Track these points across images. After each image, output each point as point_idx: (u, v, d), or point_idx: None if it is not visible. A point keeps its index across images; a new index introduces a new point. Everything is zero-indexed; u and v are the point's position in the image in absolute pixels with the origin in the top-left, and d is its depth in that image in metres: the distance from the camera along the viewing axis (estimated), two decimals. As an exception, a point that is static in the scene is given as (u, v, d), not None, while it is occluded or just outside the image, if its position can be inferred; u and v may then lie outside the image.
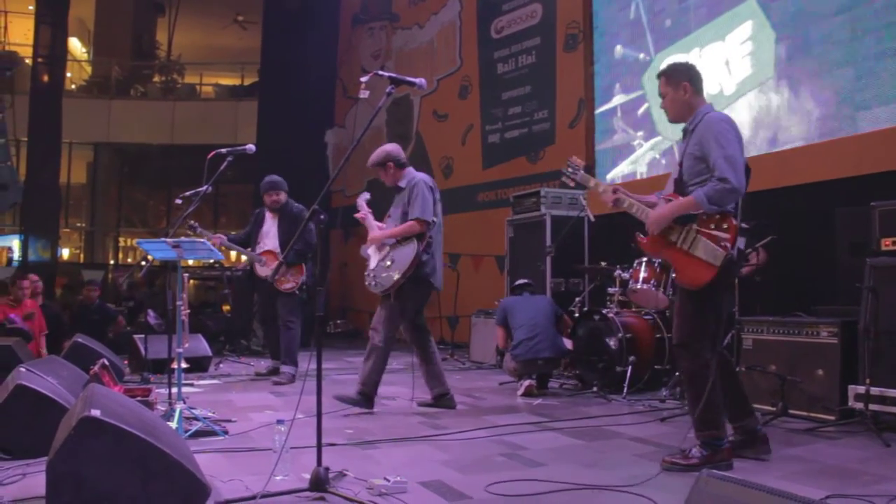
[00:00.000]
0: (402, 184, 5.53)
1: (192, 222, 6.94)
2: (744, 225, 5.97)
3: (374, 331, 5.44)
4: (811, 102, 6.88)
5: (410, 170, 5.63)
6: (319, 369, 3.26)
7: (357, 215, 5.77)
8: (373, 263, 5.49)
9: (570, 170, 4.41)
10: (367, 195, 5.95)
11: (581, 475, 3.59)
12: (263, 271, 7.22)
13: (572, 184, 4.41)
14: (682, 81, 3.92)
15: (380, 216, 5.72)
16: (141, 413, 2.90)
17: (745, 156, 3.85)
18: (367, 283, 5.51)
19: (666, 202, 3.89)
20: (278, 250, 7.15)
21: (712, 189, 3.65)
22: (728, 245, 3.63)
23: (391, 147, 5.66)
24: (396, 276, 5.25)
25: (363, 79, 3.16)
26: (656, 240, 3.90)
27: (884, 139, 6.23)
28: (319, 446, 3.23)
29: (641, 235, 3.99)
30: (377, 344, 5.39)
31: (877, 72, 6.35)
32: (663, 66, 4.09)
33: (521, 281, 6.99)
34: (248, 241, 7.51)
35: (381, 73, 3.41)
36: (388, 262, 5.33)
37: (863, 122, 6.47)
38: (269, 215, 7.37)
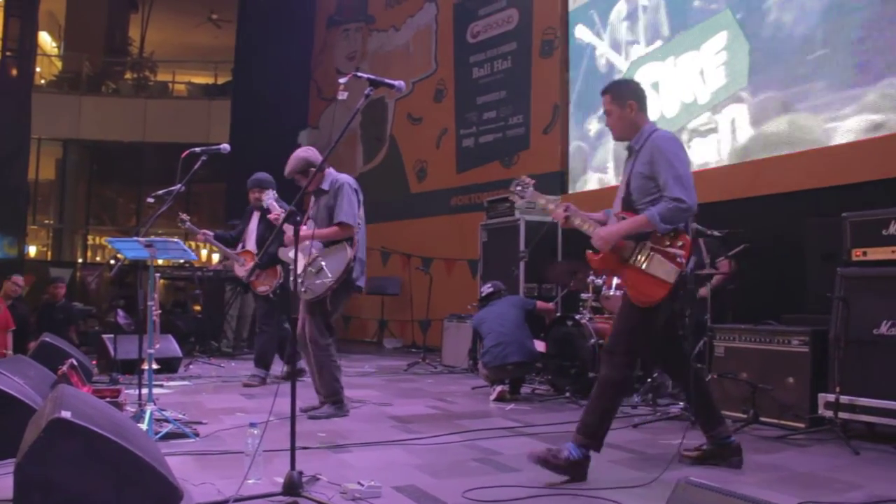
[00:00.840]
0: (325, 186, 5.38)
1: (183, 216, 7.05)
2: (716, 233, 6.09)
3: (313, 343, 5.29)
4: (784, 113, 6.96)
5: (331, 171, 5.50)
6: (293, 372, 3.23)
7: (271, 216, 5.67)
8: (300, 269, 5.33)
9: (518, 188, 4.33)
10: (273, 193, 5.88)
11: (555, 480, 3.58)
12: (240, 271, 7.16)
13: (519, 201, 4.32)
14: (627, 100, 3.91)
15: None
16: (112, 415, 2.85)
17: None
18: (297, 289, 5.41)
19: (618, 220, 3.88)
20: (255, 250, 7.07)
21: (665, 208, 3.65)
22: (682, 261, 3.65)
23: (308, 152, 5.51)
24: (329, 281, 5.14)
25: (342, 80, 3.14)
26: (608, 257, 3.86)
27: (853, 151, 6.32)
28: (293, 449, 3.20)
29: (592, 252, 3.94)
30: (321, 355, 5.28)
31: (849, 85, 6.43)
32: (609, 83, 4.08)
33: (486, 290, 6.92)
34: (237, 238, 7.42)
35: (359, 74, 3.38)
36: (318, 268, 5.19)
37: (834, 134, 6.56)
38: (255, 214, 7.25)
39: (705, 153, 7.62)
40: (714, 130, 7.55)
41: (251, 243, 7.20)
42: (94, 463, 2.40)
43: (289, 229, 5.62)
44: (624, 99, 3.92)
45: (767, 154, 7.05)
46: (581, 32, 9.43)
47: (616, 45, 8.89)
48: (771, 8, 7.08)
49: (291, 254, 5.51)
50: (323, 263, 5.19)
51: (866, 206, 4.95)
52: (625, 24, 8.79)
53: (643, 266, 3.72)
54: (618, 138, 4.06)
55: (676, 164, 3.73)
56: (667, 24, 8.23)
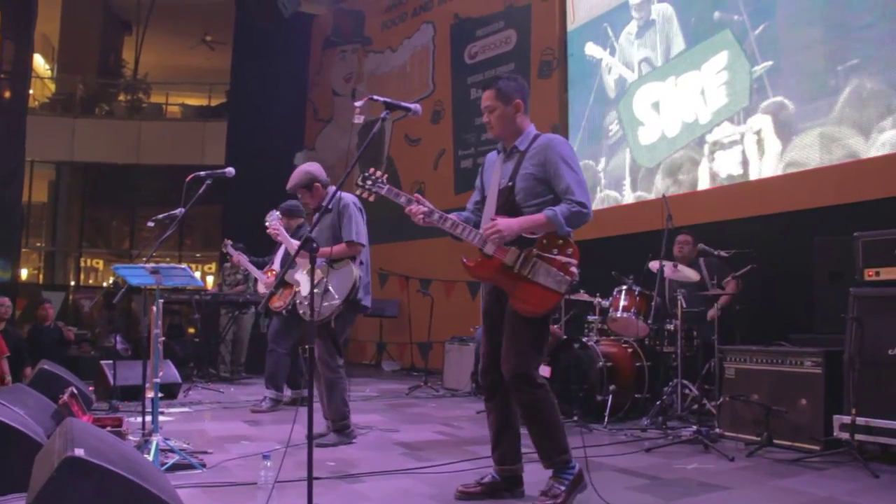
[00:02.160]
0: (329, 204, 5.32)
1: (227, 241, 7.85)
2: (723, 253, 6.05)
3: (322, 364, 5.16)
4: (787, 132, 6.94)
5: (332, 188, 5.37)
6: (311, 402, 3.13)
7: (270, 231, 5.61)
8: (304, 290, 5.26)
9: (367, 182, 3.72)
10: (276, 213, 5.83)
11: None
12: (262, 289, 7.40)
13: (372, 199, 3.76)
14: (514, 98, 3.72)
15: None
16: (123, 449, 2.76)
17: None
18: (301, 311, 5.28)
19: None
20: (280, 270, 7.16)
21: (569, 210, 3.46)
22: (574, 270, 3.48)
23: (313, 167, 5.49)
24: (336, 303, 5.06)
25: (358, 103, 3.07)
26: (486, 263, 3.63)
27: (859, 170, 6.30)
28: (310, 481, 3.09)
29: (468, 258, 3.74)
30: (332, 376, 5.17)
31: (852, 103, 6.42)
32: (494, 79, 3.83)
33: None
34: (266, 263, 7.82)
35: (376, 97, 3.31)
36: (324, 290, 5.08)
37: (838, 153, 6.54)
38: None
39: (729, 167, 7.55)
40: (738, 143, 7.46)
41: (277, 264, 7.36)
42: (110, 502, 2.31)
43: (291, 244, 5.59)
44: (510, 97, 3.71)
45: (771, 174, 7.03)
46: (580, 53, 9.42)
47: (615, 65, 8.88)
48: (775, 27, 7.09)
49: (297, 276, 5.47)
50: (329, 285, 5.11)
51: (872, 226, 4.91)
52: (624, 45, 8.79)
53: (529, 275, 3.50)
54: (497, 135, 3.81)
55: (577, 168, 3.60)
56: (668, 44, 8.22)
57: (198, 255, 21.75)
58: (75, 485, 2.26)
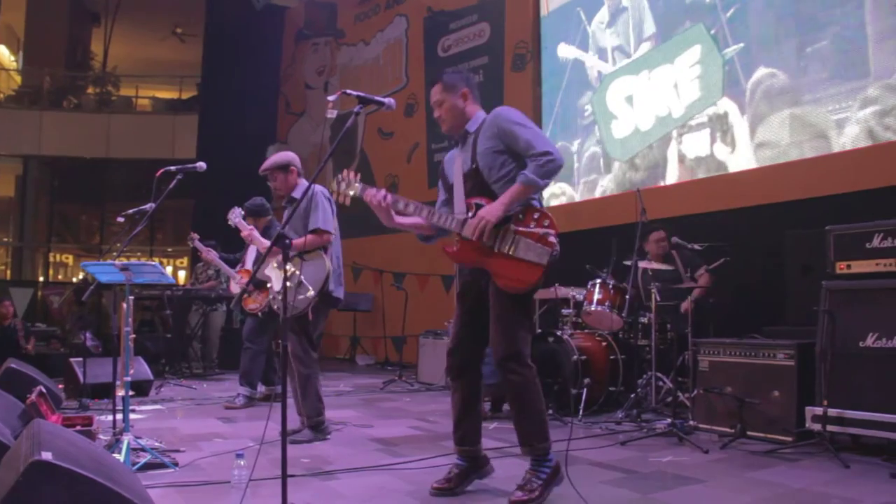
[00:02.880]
0: (297, 194, 5.27)
1: (193, 234, 7.70)
2: (696, 247, 6.07)
3: (296, 360, 5.12)
4: (760, 126, 6.98)
5: (303, 181, 5.41)
6: (284, 398, 3.09)
7: (244, 234, 5.53)
8: (277, 285, 5.19)
9: (341, 186, 3.69)
10: (239, 210, 5.77)
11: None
12: (235, 288, 7.32)
13: (348, 202, 3.72)
14: (460, 87, 3.74)
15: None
16: (92, 451, 2.70)
17: None
18: (275, 307, 5.18)
19: (476, 207, 3.60)
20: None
21: (537, 166, 3.43)
22: (553, 241, 3.46)
23: (292, 156, 5.46)
24: (311, 294, 5.01)
25: (331, 97, 3.02)
26: (467, 247, 3.60)
27: (830, 164, 6.36)
28: (284, 478, 3.05)
29: (449, 244, 3.72)
30: (306, 371, 5.13)
31: (822, 99, 6.48)
32: (439, 73, 3.87)
33: None
34: (239, 260, 7.74)
35: (349, 91, 3.26)
36: (297, 282, 5.02)
37: (809, 147, 6.58)
38: None
39: (698, 150, 7.59)
40: (705, 125, 7.49)
41: (250, 263, 7.28)
42: (78, 507, 2.26)
43: (262, 243, 5.53)
44: (456, 87, 3.73)
45: (743, 167, 7.08)
46: (554, 46, 9.41)
47: (589, 59, 8.88)
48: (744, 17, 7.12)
49: (268, 271, 5.41)
50: (302, 277, 5.05)
51: (844, 219, 4.95)
52: (597, 38, 8.79)
53: (510, 251, 3.49)
54: (448, 130, 3.81)
55: (530, 125, 3.59)
56: (641, 38, 8.24)
57: (169, 249, 21.55)
58: (42, 489, 2.20)
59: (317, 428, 5.16)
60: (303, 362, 5.14)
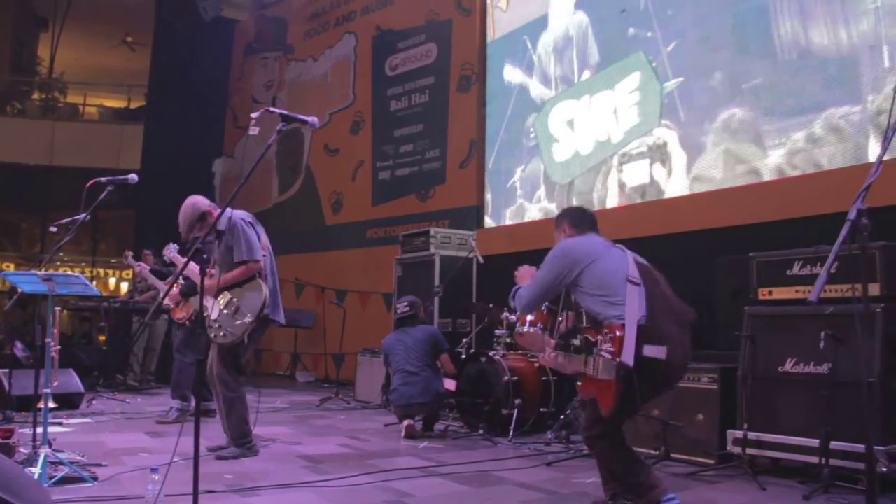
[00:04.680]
0: (222, 226, 5.14)
1: (127, 252, 7.94)
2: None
3: (223, 385, 5.09)
4: (693, 148, 7.14)
5: (227, 210, 5.17)
6: (198, 413, 3.07)
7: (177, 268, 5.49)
8: (214, 314, 5.12)
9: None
10: (174, 245, 5.82)
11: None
12: (166, 301, 7.12)
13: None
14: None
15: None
16: (-5, 463, 2.64)
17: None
18: (212, 335, 5.10)
19: None
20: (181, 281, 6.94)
21: None
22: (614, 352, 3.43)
23: (198, 199, 5.31)
24: (249, 320, 4.97)
25: (254, 115, 3.03)
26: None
27: (761, 192, 6.51)
28: (196, 495, 3.03)
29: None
30: (231, 395, 5.09)
31: (756, 128, 6.65)
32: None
33: (402, 310, 6.76)
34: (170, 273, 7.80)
35: (272, 109, 3.28)
36: (234, 309, 5.02)
37: (741, 175, 6.75)
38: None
39: (637, 180, 7.71)
40: (645, 156, 7.60)
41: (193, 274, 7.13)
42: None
43: (194, 268, 5.44)
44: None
45: (677, 193, 7.22)
46: (498, 68, 9.52)
47: (533, 83, 9.00)
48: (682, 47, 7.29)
49: (205, 302, 5.29)
50: (239, 304, 5.03)
51: (772, 246, 5.08)
52: (541, 63, 8.92)
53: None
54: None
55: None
56: (583, 64, 8.38)
57: (112, 260, 21.15)
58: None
59: (244, 446, 5.11)
60: (228, 387, 5.10)
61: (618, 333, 3.42)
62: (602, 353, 3.45)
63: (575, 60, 8.46)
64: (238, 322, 5.00)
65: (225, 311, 5.06)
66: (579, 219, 4.17)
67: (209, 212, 5.24)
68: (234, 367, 5.13)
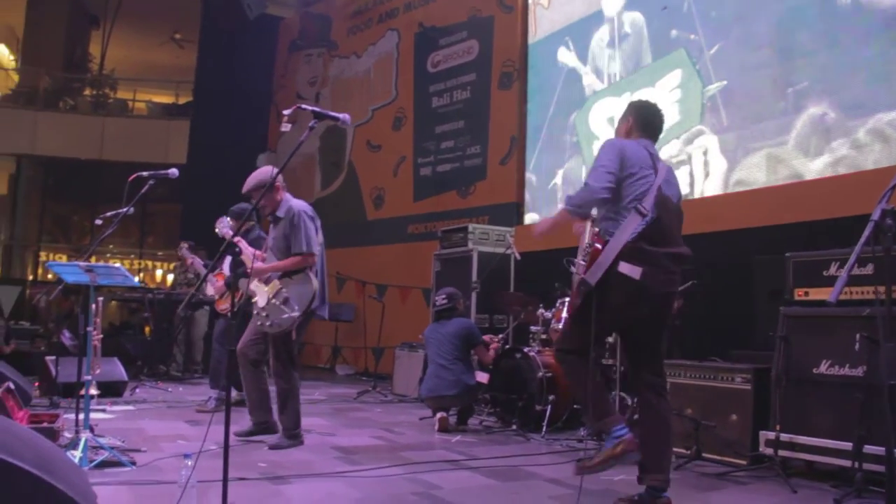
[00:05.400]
0: (280, 213, 5.27)
1: (182, 244, 7.92)
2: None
3: (278, 377, 5.20)
4: (735, 151, 7.08)
5: (287, 197, 5.38)
6: (228, 402, 3.16)
7: (241, 253, 5.47)
8: (262, 301, 5.19)
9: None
10: (226, 219, 5.80)
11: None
12: (210, 290, 7.34)
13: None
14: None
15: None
16: (38, 444, 2.75)
17: None
18: (258, 323, 5.19)
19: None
20: (227, 272, 7.14)
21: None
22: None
23: (266, 172, 5.36)
24: (296, 314, 5.05)
25: (286, 112, 3.11)
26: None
27: (800, 191, 6.44)
28: (225, 481, 3.12)
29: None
30: (285, 387, 5.20)
31: (795, 126, 6.57)
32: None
33: (440, 303, 6.78)
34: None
35: (304, 106, 3.35)
36: (283, 300, 5.07)
37: (783, 173, 6.68)
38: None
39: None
40: (686, 162, 7.58)
41: (227, 267, 7.27)
42: (8, 497, 2.32)
43: (249, 256, 5.53)
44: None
45: (716, 192, 7.17)
46: (540, 65, 9.52)
47: (574, 79, 8.99)
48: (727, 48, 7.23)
49: (253, 286, 5.37)
50: (288, 296, 5.10)
51: (810, 246, 5.04)
52: (583, 59, 8.90)
53: None
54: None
55: (599, 156, 3.86)
56: (624, 60, 8.35)
57: (159, 253, 21.58)
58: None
59: (296, 437, 5.23)
60: (283, 378, 5.21)
61: (598, 246, 3.50)
62: (579, 261, 3.55)
63: (617, 59, 8.43)
64: (285, 315, 5.06)
65: (273, 301, 5.13)
66: (649, 122, 4.01)
67: (278, 187, 5.31)
68: (289, 359, 5.23)
